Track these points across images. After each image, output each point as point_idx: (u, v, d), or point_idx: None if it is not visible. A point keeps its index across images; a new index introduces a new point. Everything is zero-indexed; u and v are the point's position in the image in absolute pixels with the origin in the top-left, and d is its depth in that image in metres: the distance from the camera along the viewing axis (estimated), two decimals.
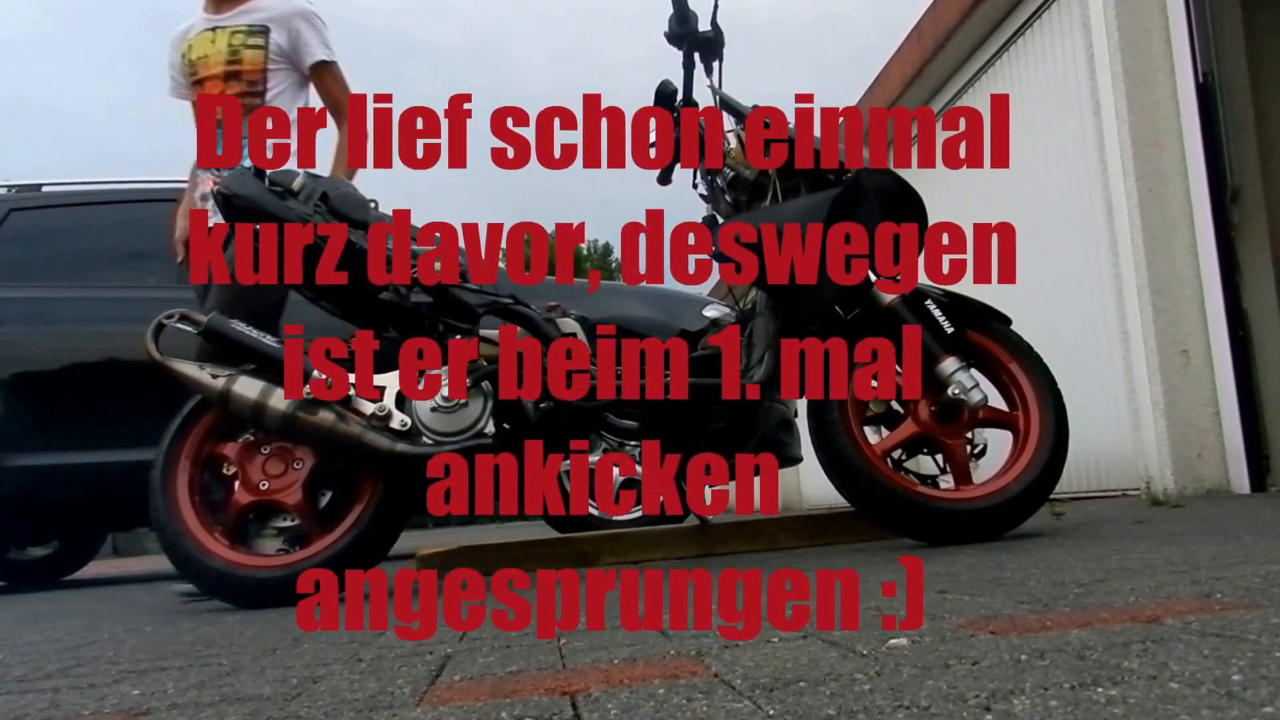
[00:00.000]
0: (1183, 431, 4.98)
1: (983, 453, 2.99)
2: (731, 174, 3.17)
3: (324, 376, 2.78)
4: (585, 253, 43.31)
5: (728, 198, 3.19)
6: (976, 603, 1.57)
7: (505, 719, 1.05)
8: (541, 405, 2.90)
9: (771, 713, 0.97)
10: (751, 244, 2.94)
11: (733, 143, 3.21)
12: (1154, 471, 5.06)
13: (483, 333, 2.96)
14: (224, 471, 2.89)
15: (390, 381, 2.88)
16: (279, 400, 2.76)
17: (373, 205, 3.08)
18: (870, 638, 1.32)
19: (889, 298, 2.93)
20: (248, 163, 3.19)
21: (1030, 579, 1.82)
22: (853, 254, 2.88)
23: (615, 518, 5.47)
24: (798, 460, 3.31)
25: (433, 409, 2.81)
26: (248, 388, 2.78)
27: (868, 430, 2.99)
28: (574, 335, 3.00)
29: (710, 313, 5.61)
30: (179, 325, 2.89)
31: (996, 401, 3.01)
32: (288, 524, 2.90)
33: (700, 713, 1.00)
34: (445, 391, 2.80)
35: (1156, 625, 1.22)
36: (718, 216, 3.20)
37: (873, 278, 2.95)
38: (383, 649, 1.68)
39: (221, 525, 2.87)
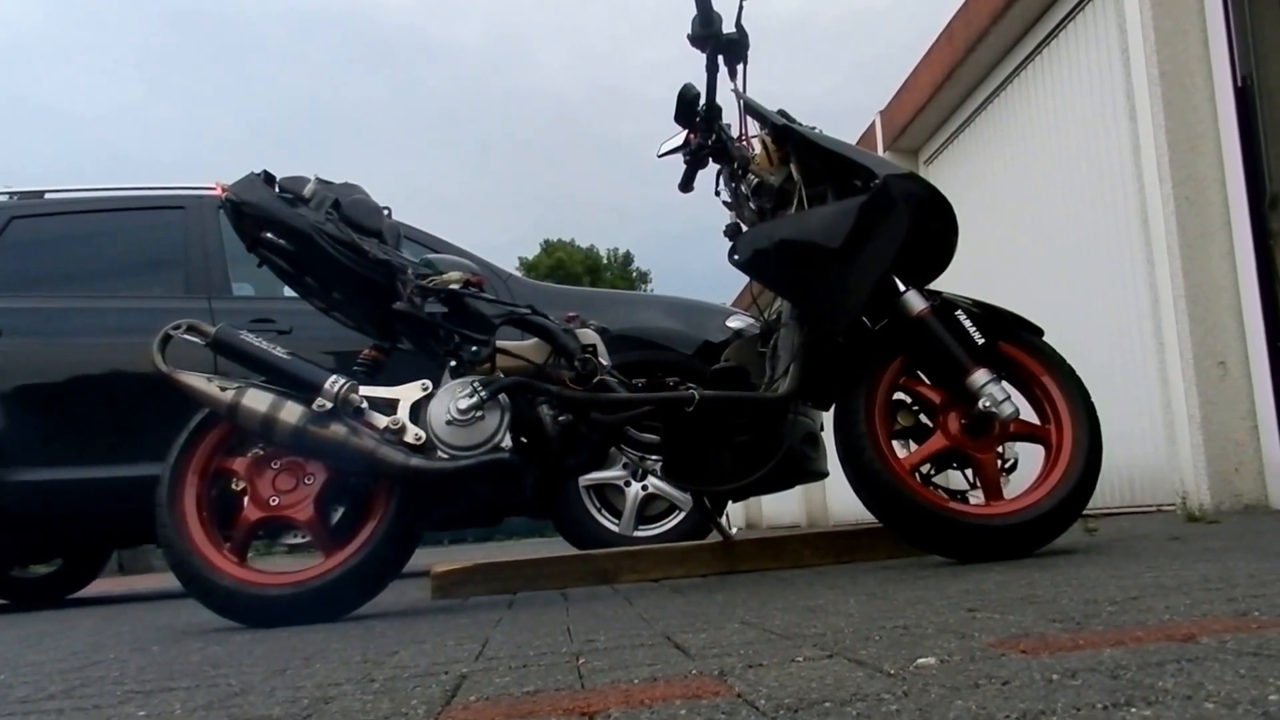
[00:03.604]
0: (1220, 445, 4.96)
1: (1013, 467, 2.99)
2: (755, 180, 3.19)
3: (336, 389, 2.80)
4: (605, 261, 43.40)
5: (751, 205, 3.21)
6: (1007, 621, 1.57)
7: None
8: (560, 419, 2.92)
9: None
10: (775, 254, 2.96)
11: (757, 148, 3.24)
12: (1190, 486, 5.04)
13: (499, 344, 2.98)
14: (233, 487, 2.91)
15: (404, 394, 2.90)
16: (290, 413, 2.79)
17: (385, 212, 3.12)
18: (898, 656, 1.33)
19: (918, 308, 2.93)
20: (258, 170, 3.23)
21: (1062, 596, 1.83)
22: (880, 264, 2.90)
23: (634, 536, 5.48)
24: (823, 475, 3.32)
25: (448, 422, 2.83)
26: (257, 400, 2.81)
27: (896, 444, 3.00)
28: (593, 346, 3.02)
29: (734, 324, 5.63)
30: (186, 336, 2.92)
31: (1028, 414, 3.01)
32: (298, 540, 2.92)
33: None
34: (461, 405, 2.82)
35: (1192, 644, 1.22)
36: (741, 224, 3.22)
37: (901, 288, 2.96)
38: (396, 669, 1.70)
39: (230, 542, 2.90)
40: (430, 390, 2.90)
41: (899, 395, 3.03)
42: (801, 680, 1.23)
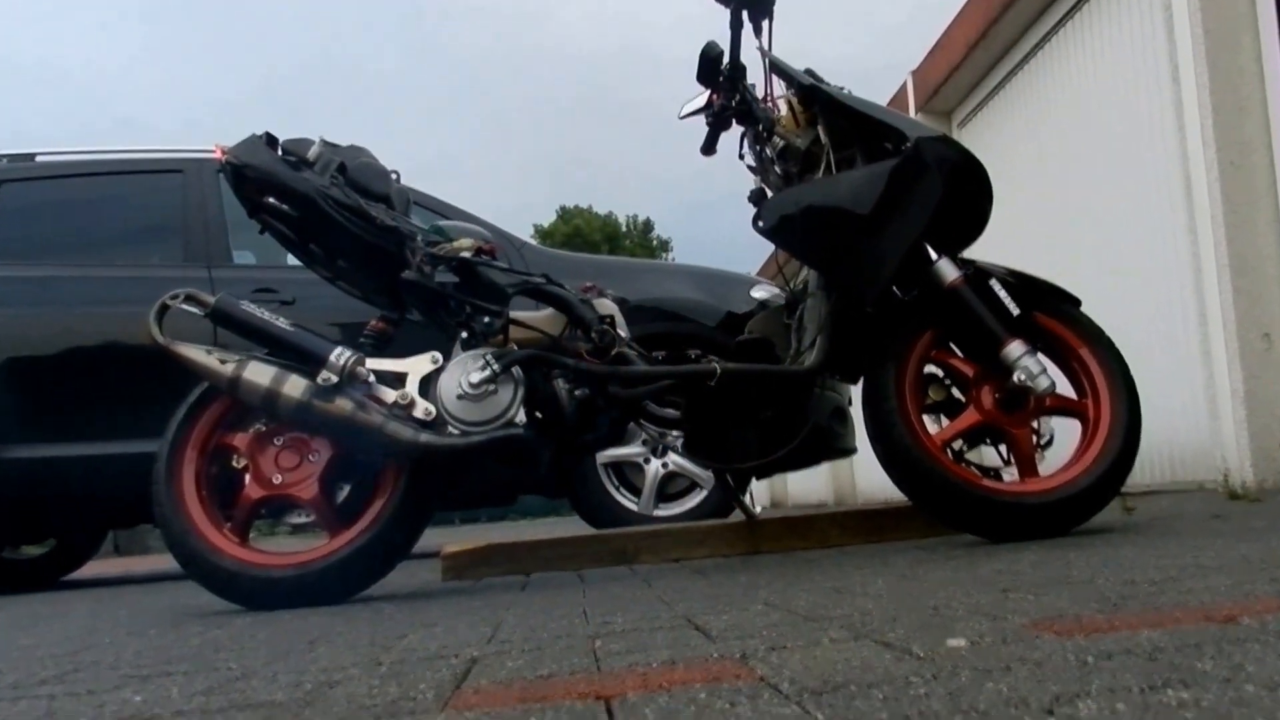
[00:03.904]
0: (1264, 420, 4.93)
1: (1049, 443, 2.99)
2: (781, 143, 3.18)
3: (342, 362, 2.81)
4: (624, 229, 43.36)
5: (777, 169, 3.20)
6: (1041, 602, 1.58)
7: None
8: (577, 393, 2.93)
9: (820, 718, 0.98)
10: (802, 220, 2.96)
11: (783, 109, 3.22)
12: (1232, 463, 5.01)
13: (513, 315, 2.98)
14: (234, 464, 2.93)
15: (414, 367, 2.91)
16: (293, 387, 2.80)
17: (394, 176, 3.13)
18: (927, 638, 1.33)
19: (951, 277, 2.92)
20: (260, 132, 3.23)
21: (1098, 577, 1.83)
22: (912, 231, 2.90)
23: (654, 515, 5.51)
24: (851, 451, 3.33)
25: (459, 396, 2.84)
26: (259, 374, 2.82)
27: (927, 420, 3.00)
28: (611, 318, 3.03)
29: (758, 294, 5.62)
30: (184, 306, 2.94)
31: (1065, 388, 3.01)
32: (302, 520, 2.95)
33: (743, 718, 1.02)
34: (473, 378, 2.83)
35: (1232, 625, 1.23)
36: (766, 189, 3.21)
37: (933, 256, 2.95)
38: (405, 652, 1.71)
39: (231, 521, 2.92)
40: (440, 363, 2.91)
41: (930, 369, 3.03)
42: (826, 663, 1.24)
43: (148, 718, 1.32)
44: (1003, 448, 2.99)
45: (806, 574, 2.52)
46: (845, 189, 2.96)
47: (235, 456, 2.93)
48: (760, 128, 3.22)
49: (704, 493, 5.62)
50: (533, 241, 7.02)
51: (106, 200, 6.08)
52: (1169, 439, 5.90)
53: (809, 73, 3.20)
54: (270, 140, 3.02)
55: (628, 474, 5.68)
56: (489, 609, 2.36)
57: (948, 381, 3.03)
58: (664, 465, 5.64)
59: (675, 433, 3.20)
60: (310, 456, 2.92)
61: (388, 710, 1.23)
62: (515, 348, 2.93)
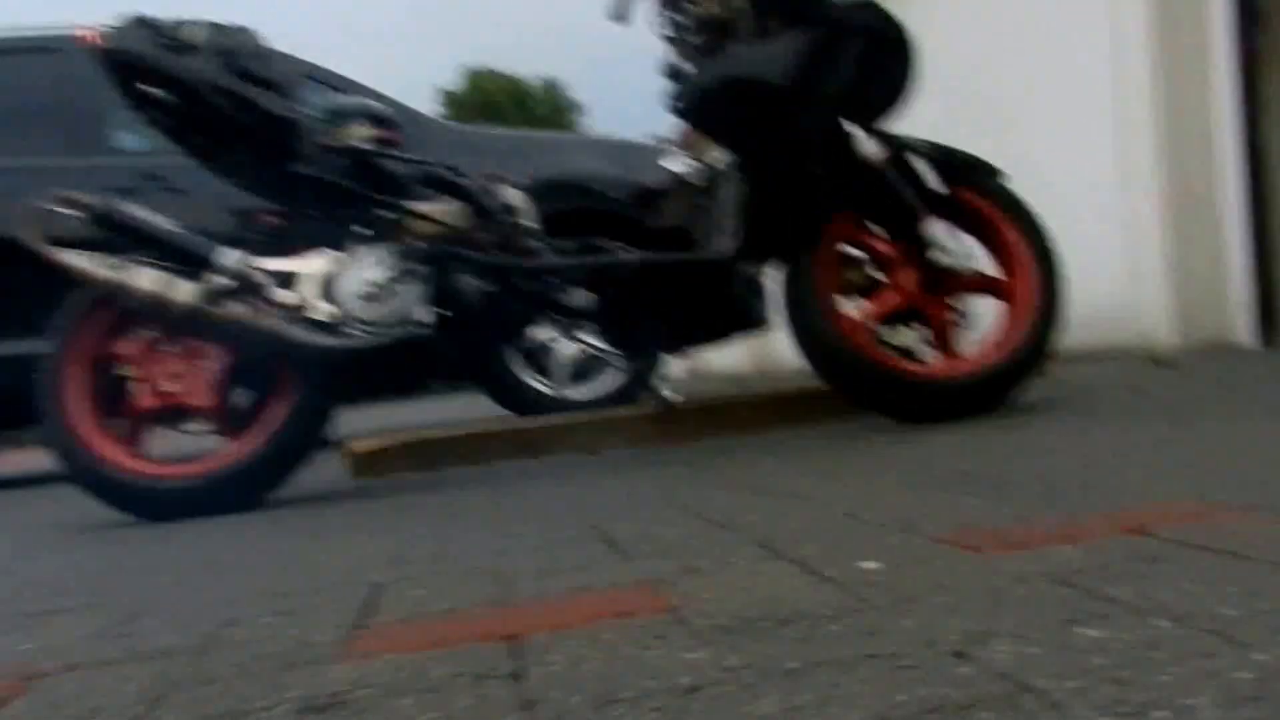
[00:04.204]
0: (1186, 280, 5.05)
1: (970, 323, 3.00)
2: (697, 10, 3.07)
3: (232, 264, 2.72)
4: (534, 94, 42.42)
5: (693, 40, 3.10)
6: (956, 507, 1.59)
7: (439, 676, 1.06)
8: (484, 288, 2.87)
9: (732, 663, 0.97)
10: (719, 94, 2.88)
11: None
12: (1155, 324, 5.14)
13: (414, 207, 2.89)
14: (123, 373, 2.84)
15: (310, 266, 2.82)
16: (183, 293, 2.70)
17: (284, 56, 2.98)
18: (840, 558, 1.33)
19: (873, 154, 2.89)
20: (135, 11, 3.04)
21: (1014, 471, 1.85)
22: (833, 106, 2.85)
23: (568, 397, 5.50)
24: (763, 323, 3.30)
25: (361, 297, 2.77)
26: (145, 279, 2.71)
27: (845, 302, 2.99)
28: (516, 207, 2.95)
29: (672, 166, 5.54)
30: (62, 209, 2.80)
31: (987, 265, 3.01)
32: (198, 428, 2.88)
33: (655, 664, 1.00)
34: (374, 276, 2.75)
35: (1149, 539, 1.24)
36: (681, 63, 3.12)
37: (854, 132, 2.91)
38: (306, 579, 1.68)
39: (123, 431, 2.84)
40: (339, 261, 2.82)
41: (850, 249, 3.01)
42: (741, 592, 1.23)
43: (33, 674, 1.27)
44: (924, 329, 2.99)
45: (721, 469, 2.52)
46: (763, 59, 2.88)
47: (124, 364, 2.84)
48: None
49: (619, 374, 5.62)
50: (437, 113, 6.82)
51: None
52: (1091, 299, 5.98)
53: None
54: (148, 22, 2.85)
55: (539, 356, 5.64)
56: (395, 515, 2.34)
57: (867, 263, 3.02)
58: (576, 346, 5.61)
59: (588, 323, 3.16)
60: (204, 362, 2.84)
61: (285, 659, 1.20)
62: (417, 243, 2.85)
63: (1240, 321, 4.96)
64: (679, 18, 3.14)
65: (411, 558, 1.76)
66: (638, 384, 5.46)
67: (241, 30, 3.00)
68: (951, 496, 1.69)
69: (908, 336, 3.05)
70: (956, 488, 1.77)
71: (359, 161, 2.82)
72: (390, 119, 2.95)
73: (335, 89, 5.68)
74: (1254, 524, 1.25)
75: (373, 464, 3.41)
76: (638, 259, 2.87)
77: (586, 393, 5.57)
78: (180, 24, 2.87)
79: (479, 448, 3.44)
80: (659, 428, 3.45)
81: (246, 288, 2.74)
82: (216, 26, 2.93)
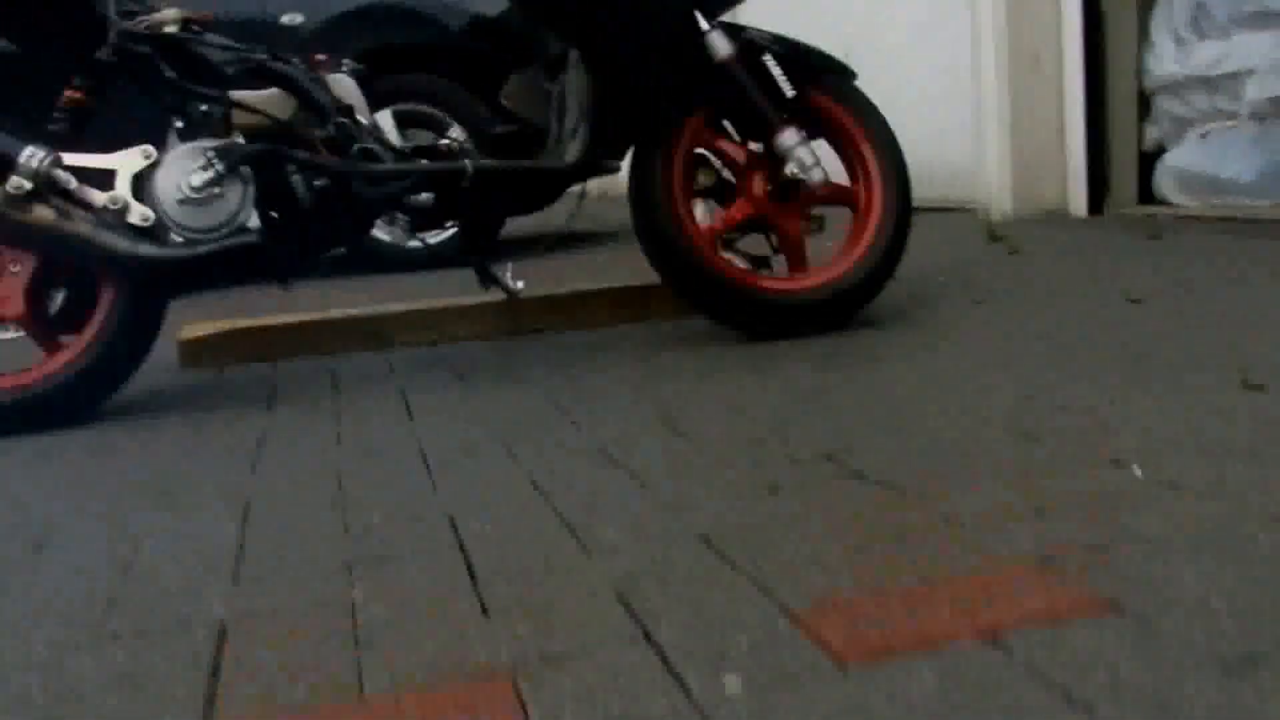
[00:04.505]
0: (1026, 145, 5.09)
1: (820, 228, 2.98)
2: None
3: (35, 164, 2.48)
4: None
5: None
6: (799, 474, 1.59)
7: None
8: (316, 185, 2.69)
9: None
10: None
11: None
12: (995, 188, 5.21)
13: (235, 96, 2.68)
14: None
15: (124, 164, 2.60)
16: None
17: None
18: (702, 665, 1.28)
19: (723, 52, 2.77)
20: None
21: (847, 415, 1.85)
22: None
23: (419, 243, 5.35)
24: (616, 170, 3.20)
25: (181, 201, 2.56)
26: None
27: (697, 206, 2.93)
28: (349, 105, 2.75)
29: None
30: None
31: (837, 172, 2.97)
32: (10, 336, 2.69)
33: None
34: (195, 181, 2.55)
35: (1000, 647, 1.25)
36: None
37: (704, 26, 2.79)
38: (138, 582, 1.60)
39: None
40: (155, 158, 2.60)
41: (701, 150, 2.92)
42: (601, 694, 1.20)
43: None
44: (773, 237, 2.96)
45: (565, 391, 2.50)
46: None
47: None
48: None
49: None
50: None
51: None
52: (937, 160, 6.02)
53: None
54: None
55: None
56: (232, 464, 2.23)
57: (719, 165, 2.94)
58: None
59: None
60: (12, 268, 2.63)
61: None
62: (240, 137, 2.65)
63: (1074, 189, 5.06)
64: None
65: (254, 573, 1.69)
66: (486, 230, 5.36)
67: None
68: (791, 457, 1.69)
69: (759, 245, 3.01)
70: (791, 434, 1.77)
71: (169, 49, 2.58)
72: None
73: None
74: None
75: (204, 352, 3.26)
76: (477, 166, 2.72)
77: (432, 240, 5.43)
78: None
79: (318, 337, 3.32)
80: (506, 318, 3.37)
81: (54, 190, 2.51)
82: None
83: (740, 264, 2.93)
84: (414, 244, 5.31)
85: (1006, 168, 5.14)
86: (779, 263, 2.98)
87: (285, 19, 5.22)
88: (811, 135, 2.89)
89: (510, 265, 3.14)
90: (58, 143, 2.59)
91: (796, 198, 2.87)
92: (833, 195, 2.91)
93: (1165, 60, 4.81)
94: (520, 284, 3.09)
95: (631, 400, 2.37)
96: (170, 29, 2.57)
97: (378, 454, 2.16)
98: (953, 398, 2.14)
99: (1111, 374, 2.19)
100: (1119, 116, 4.98)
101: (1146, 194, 4.99)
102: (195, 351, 3.25)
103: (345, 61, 2.87)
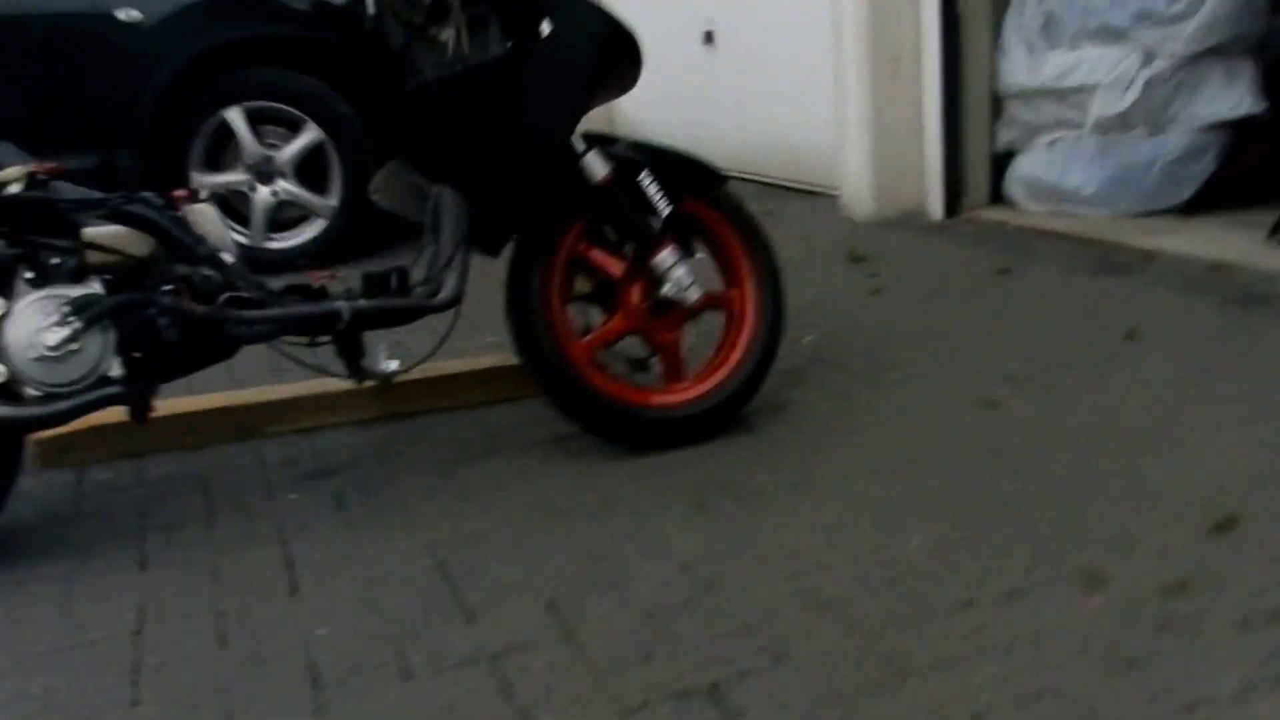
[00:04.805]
0: (886, 149, 5.18)
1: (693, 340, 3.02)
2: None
3: None
4: None
5: (401, 29, 2.81)
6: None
7: None
8: (181, 328, 2.59)
9: None
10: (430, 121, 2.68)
11: None
12: (855, 188, 5.31)
13: (89, 235, 2.54)
14: None
15: None
16: None
17: None
18: None
19: (600, 174, 2.76)
20: None
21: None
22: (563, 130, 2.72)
23: (266, 249, 5.23)
24: None
25: (35, 358, 2.45)
26: None
27: (573, 311, 2.93)
28: (208, 232, 2.63)
29: None
30: None
31: (711, 274, 3.00)
32: None
33: None
34: (51, 340, 2.44)
35: None
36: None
37: (580, 147, 2.77)
38: None
39: None
40: (4, 308, 2.47)
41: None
42: None
43: None
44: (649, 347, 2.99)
45: (444, 490, 2.62)
46: (474, 79, 2.68)
47: None
48: None
49: (321, 222, 5.35)
50: None
51: None
52: (805, 143, 6.06)
53: None
54: None
55: (234, 204, 5.28)
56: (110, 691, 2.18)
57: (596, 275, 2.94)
58: (274, 194, 5.29)
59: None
60: None
61: None
62: (94, 282, 2.52)
63: (931, 191, 5.17)
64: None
65: None
66: (343, 232, 5.25)
67: None
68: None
69: (636, 347, 3.03)
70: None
71: (15, 207, 2.45)
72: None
73: None
74: None
75: (59, 454, 3.14)
76: (352, 309, 2.66)
77: (287, 244, 5.31)
78: None
79: (185, 429, 3.22)
80: (381, 403, 3.33)
81: None
82: None
83: (620, 368, 2.96)
84: (272, 245, 5.27)
85: (867, 168, 5.22)
86: (655, 363, 3.01)
87: (121, 14, 4.91)
88: (686, 237, 2.91)
89: (382, 346, 3.07)
90: None
91: (674, 313, 2.89)
92: (708, 303, 2.94)
93: (1017, 68, 4.90)
94: (395, 364, 3.02)
95: (522, 577, 2.39)
96: (13, 189, 2.43)
97: (263, 663, 2.14)
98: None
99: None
100: (974, 120, 5.08)
101: (998, 195, 5.15)
102: (53, 452, 3.13)
103: (203, 192, 2.75)
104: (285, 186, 5.24)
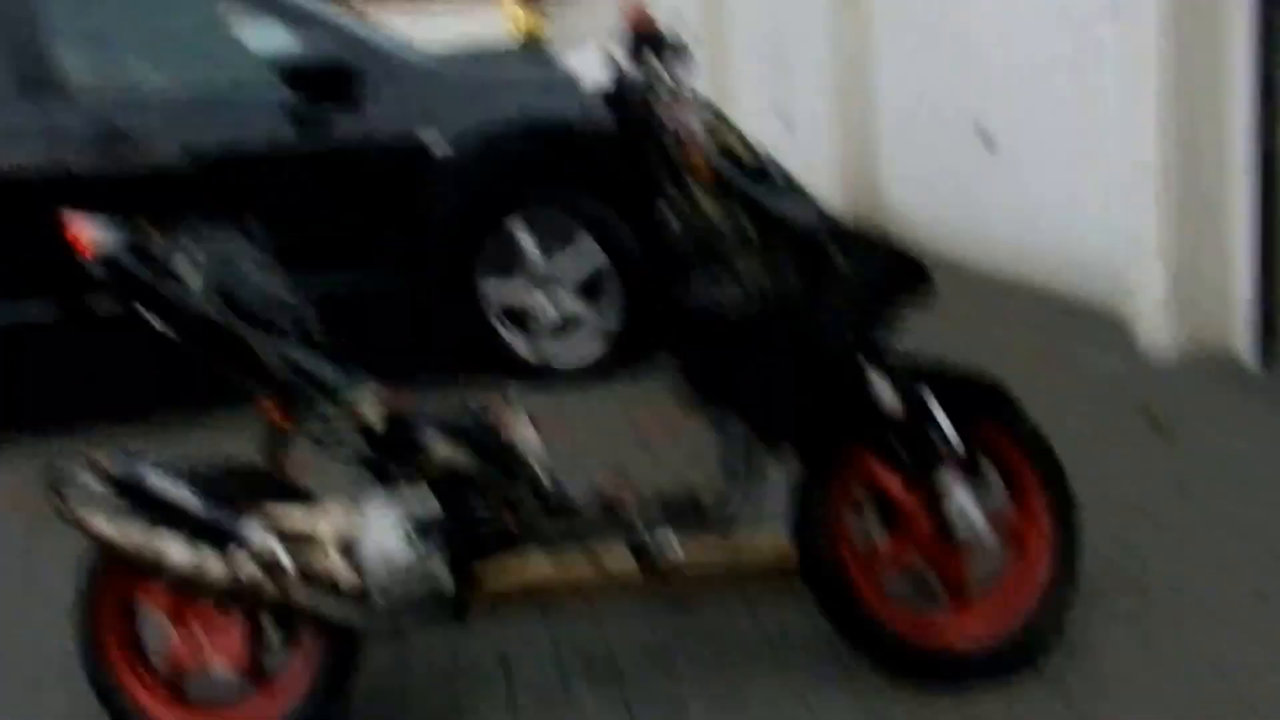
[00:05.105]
0: (1188, 276, 4.93)
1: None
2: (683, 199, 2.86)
3: (260, 541, 2.74)
4: None
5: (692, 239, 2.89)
6: None
7: None
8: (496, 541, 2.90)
9: None
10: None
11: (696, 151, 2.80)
12: (1149, 319, 5.07)
13: (431, 453, 2.84)
14: (155, 616, 2.90)
15: (327, 522, 2.80)
16: (214, 572, 2.72)
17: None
18: None
19: (889, 404, 2.84)
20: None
21: None
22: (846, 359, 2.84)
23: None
24: None
25: (388, 573, 2.76)
26: (178, 554, 2.72)
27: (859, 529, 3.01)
28: (527, 452, 2.89)
29: (587, 67, 5.31)
30: (81, 473, 2.75)
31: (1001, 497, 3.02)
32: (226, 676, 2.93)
33: None
34: (399, 561, 2.74)
35: None
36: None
37: (870, 375, 2.85)
38: None
39: (159, 675, 2.93)
40: (356, 518, 2.80)
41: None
42: None
43: None
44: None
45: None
46: (780, 320, 2.81)
47: (156, 611, 2.89)
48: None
49: (598, 334, 5.69)
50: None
51: None
52: (1086, 262, 5.90)
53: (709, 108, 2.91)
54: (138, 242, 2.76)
55: (519, 315, 5.68)
56: None
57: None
58: (554, 306, 5.65)
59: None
60: (228, 620, 2.87)
61: None
62: (431, 495, 2.83)
63: (1241, 330, 4.86)
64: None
65: None
66: (624, 352, 5.59)
67: (230, 243, 2.88)
68: None
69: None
70: None
71: (370, 434, 2.80)
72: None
73: (285, 19, 5.39)
74: None
75: None
76: (665, 544, 2.88)
77: (567, 357, 5.61)
78: (165, 245, 2.78)
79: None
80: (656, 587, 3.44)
81: (273, 565, 2.75)
82: (199, 234, 2.84)
83: (901, 586, 3.04)
84: (551, 359, 5.60)
85: (1164, 296, 4.97)
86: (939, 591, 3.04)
87: (431, 145, 5.39)
88: (974, 459, 2.96)
89: (668, 531, 3.16)
90: (272, 491, 2.85)
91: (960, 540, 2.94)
92: (996, 528, 2.94)
93: None
94: (678, 552, 3.14)
95: None
96: (374, 420, 2.77)
97: None
98: None
99: None
100: None
101: None
102: None
103: (513, 397, 3.01)
104: (565, 299, 5.59)
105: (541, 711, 3.04)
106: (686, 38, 2.95)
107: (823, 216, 2.82)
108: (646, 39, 2.85)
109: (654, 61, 2.82)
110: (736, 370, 2.87)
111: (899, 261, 2.86)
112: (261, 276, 2.85)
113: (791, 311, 2.81)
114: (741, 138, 2.92)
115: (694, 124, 2.79)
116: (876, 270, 2.85)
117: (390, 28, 6.75)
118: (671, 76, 2.83)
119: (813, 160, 8.94)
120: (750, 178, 2.84)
